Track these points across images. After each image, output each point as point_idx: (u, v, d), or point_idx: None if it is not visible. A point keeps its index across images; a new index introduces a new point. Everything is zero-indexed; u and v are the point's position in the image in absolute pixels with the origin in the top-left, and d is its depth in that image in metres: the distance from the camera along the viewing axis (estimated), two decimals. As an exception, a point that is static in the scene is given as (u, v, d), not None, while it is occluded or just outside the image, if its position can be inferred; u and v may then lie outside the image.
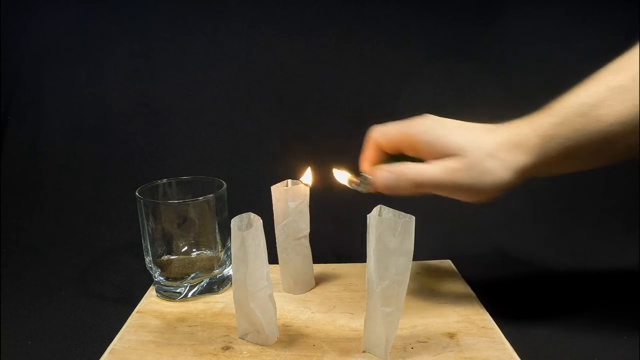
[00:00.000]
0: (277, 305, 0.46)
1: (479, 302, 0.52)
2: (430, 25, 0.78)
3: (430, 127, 0.44)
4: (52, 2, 0.78)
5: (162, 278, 0.54)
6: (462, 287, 0.55)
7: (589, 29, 0.78)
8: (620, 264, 0.66)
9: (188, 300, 0.54)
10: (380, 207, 0.41)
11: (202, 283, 0.54)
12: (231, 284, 0.53)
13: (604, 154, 0.42)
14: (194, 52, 0.79)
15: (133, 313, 0.51)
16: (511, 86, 0.79)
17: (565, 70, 0.79)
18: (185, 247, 0.55)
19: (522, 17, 0.77)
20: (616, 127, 0.39)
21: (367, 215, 0.40)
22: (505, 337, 0.46)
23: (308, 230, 0.54)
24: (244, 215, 0.43)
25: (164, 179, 0.56)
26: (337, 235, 0.68)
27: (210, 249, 0.55)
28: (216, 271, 0.55)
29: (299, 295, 0.55)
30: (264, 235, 0.43)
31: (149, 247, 0.53)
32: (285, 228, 0.53)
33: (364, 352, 0.44)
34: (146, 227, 0.53)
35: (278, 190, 0.52)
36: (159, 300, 0.54)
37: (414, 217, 0.38)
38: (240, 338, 0.46)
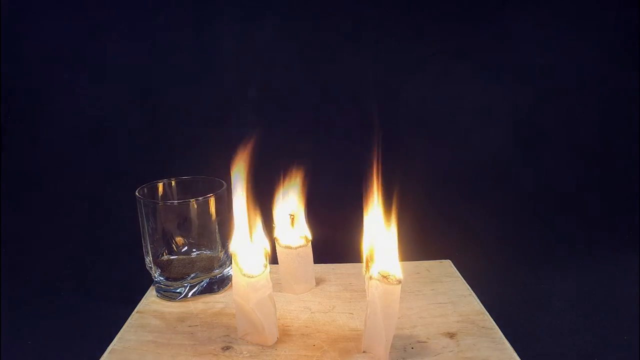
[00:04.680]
0: (277, 305, 0.46)
1: (479, 302, 0.52)
2: (430, 24, 0.78)
3: None
4: (53, 2, 0.78)
5: (162, 278, 0.54)
6: (462, 287, 0.55)
7: (589, 29, 0.78)
8: (619, 263, 0.67)
9: (188, 300, 0.54)
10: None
11: (202, 283, 0.54)
12: (231, 283, 0.53)
13: None
14: (195, 52, 0.79)
15: (133, 313, 0.51)
16: (511, 86, 0.79)
17: (566, 71, 0.79)
18: (185, 247, 0.55)
19: (523, 17, 0.77)
20: None
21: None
22: (505, 337, 0.46)
23: (308, 231, 0.54)
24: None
25: (164, 179, 0.56)
26: (337, 235, 0.68)
27: (210, 249, 0.55)
28: (216, 271, 0.55)
29: (299, 295, 0.55)
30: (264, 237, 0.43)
31: (149, 247, 0.53)
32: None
33: (364, 352, 0.44)
34: (146, 227, 0.53)
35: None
36: (159, 300, 0.54)
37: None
38: (240, 338, 0.46)
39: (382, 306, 0.40)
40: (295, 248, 0.53)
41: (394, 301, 0.40)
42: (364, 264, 0.42)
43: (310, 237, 0.55)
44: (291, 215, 0.54)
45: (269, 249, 0.45)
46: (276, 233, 0.54)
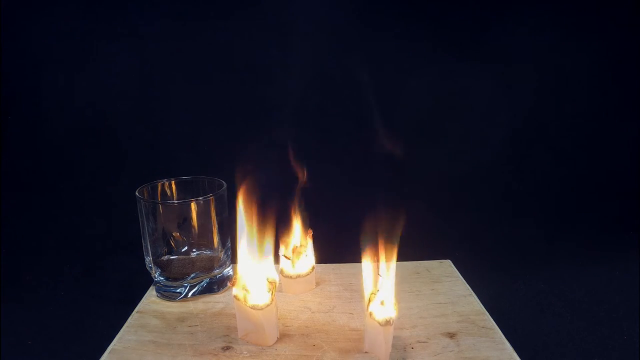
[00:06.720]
0: (277, 305, 0.46)
1: (479, 302, 0.52)
2: (430, 24, 0.78)
3: None
4: (53, 2, 0.78)
5: (162, 278, 0.54)
6: (462, 287, 0.55)
7: (589, 30, 0.78)
8: (619, 263, 0.67)
9: (188, 300, 0.54)
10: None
11: (202, 283, 0.54)
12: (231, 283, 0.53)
13: None
14: (195, 52, 0.79)
15: (133, 313, 0.51)
16: (511, 86, 0.79)
17: (565, 72, 0.79)
18: (185, 247, 0.55)
19: (523, 17, 0.77)
20: None
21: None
22: (505, 337, 0.46)
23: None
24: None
25: (164, 179, 0.56)
26: (337, 235, 0.69)
27: (210, 249, 0.55)
28: (216, 271, 0.55)
29: (299, 295, 0.55)
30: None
31: (149, 247, 0.53)
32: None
33: (364, 352, 0.44)
34: (146, 227, 0.53)
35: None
36: (159, 300, 0.54)
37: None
38: (240, 338, 0.46)
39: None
40: (299, 276, 0.54)
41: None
42: (365, 302, 0.44)
43: (314, 263, 0.55)
44: (289, 255, 0.55)
45: (277, 278, 0.46)
46: (281, 264, 0.55)
